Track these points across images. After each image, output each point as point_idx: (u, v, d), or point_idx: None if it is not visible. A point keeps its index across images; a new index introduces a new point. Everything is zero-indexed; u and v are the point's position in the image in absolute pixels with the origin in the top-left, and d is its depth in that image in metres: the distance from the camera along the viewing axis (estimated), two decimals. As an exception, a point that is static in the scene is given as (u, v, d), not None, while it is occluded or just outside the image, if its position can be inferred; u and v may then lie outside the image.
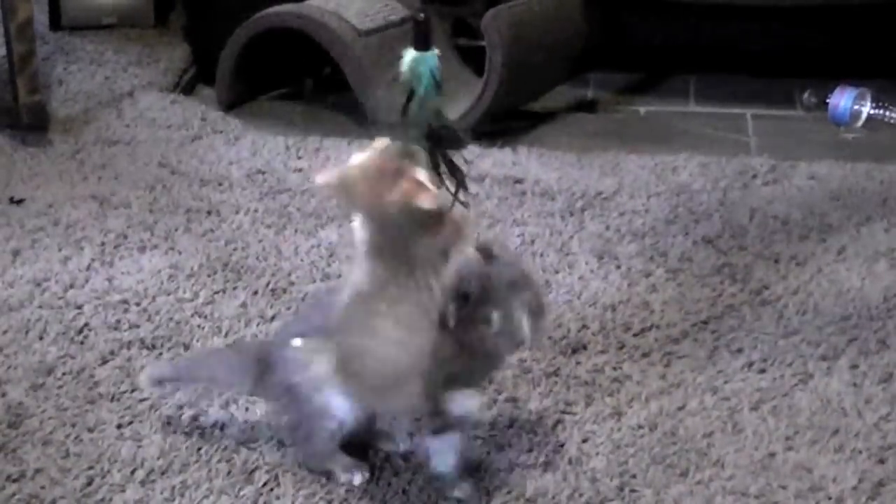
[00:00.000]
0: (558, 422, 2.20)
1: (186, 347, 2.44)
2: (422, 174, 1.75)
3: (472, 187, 3.29)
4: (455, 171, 1.86)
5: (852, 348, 2.45)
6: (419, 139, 1.82)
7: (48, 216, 3.00)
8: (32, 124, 3.49)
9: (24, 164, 3.33)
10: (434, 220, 1.78)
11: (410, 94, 1.83)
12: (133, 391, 2.29)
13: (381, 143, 1.78)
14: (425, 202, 1.73)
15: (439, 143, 1.85)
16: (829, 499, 2.00)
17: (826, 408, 2.25)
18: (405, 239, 1.76)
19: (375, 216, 1.77)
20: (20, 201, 3.10)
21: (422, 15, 1.89)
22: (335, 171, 1.77)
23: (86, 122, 3.62)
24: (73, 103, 3.73)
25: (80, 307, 2.58)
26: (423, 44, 1.84)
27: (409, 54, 1.83)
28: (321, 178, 1.79)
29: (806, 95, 3.86)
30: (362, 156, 1.77)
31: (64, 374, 2.35)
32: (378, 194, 1.73)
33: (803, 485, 2.04)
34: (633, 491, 2.02)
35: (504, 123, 3.61)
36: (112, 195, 3.12)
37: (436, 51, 1.85)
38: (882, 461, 2.11)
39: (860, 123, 3.73)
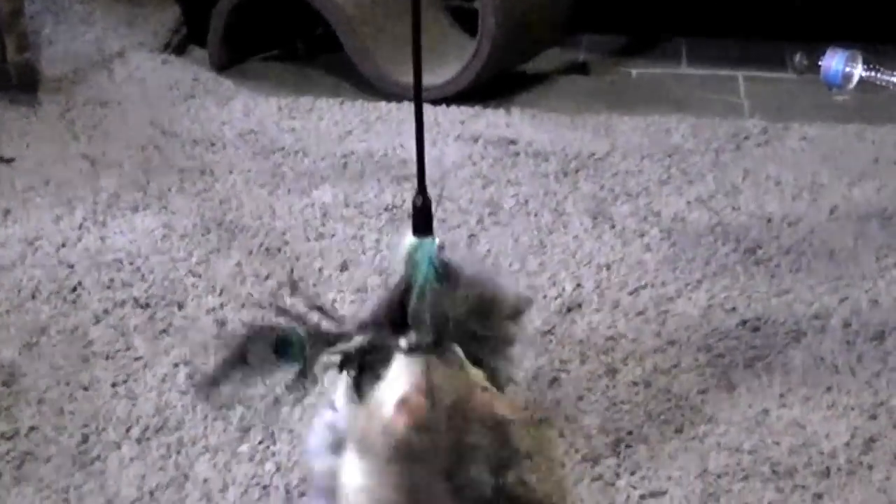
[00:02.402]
0: (554, 380, 2.21)
1: (180, 307, 2.44)
2: (481, 378, 1.50)
3: (466, 148, 3.32)
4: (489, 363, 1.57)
5: (844, 307, 2.46)
6: (426, 337, 1.48)
7: (39, 175, 2.99)
8: (22, 84, 3.47)
9: (14, 123, 3.31)
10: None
11: (409, 287, 1.52)
12: (128, 349, 2.29)
13: (416, 364, 1.45)
14: (507, 411, 1.48)
15: (450, 339, 1.52)
16: (822, 454, 2.01)
17: (819, 365, 2.26)
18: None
19: (452, 434, 1.44)
20: (10, 160, 3.09)
21: (421, 198, 1.67)
22: (393, 402, 1.42)
23: (76, 83, 3.59)
24: (62, 63, 3.71)
25: (72, 266, 2.58)
26: (422, 229, 1.63)
27: (407, 240, 1.60)
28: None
29: (798, 58, 3.85)
30: (406, 381, 1.44)
31: (57, 332, 2.35)
32: (459, 423, 1.44)
33: (796, 441, 2.05)
34: (628, 447, 2.03)
35: (497, 85, 3.60)
36: (103, 155, 3.11)
37: (437, 239, 1.61)
38: (874, 417, 2.12)
39: (852, 85, 3.72)
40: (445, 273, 1.54)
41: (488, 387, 1.49)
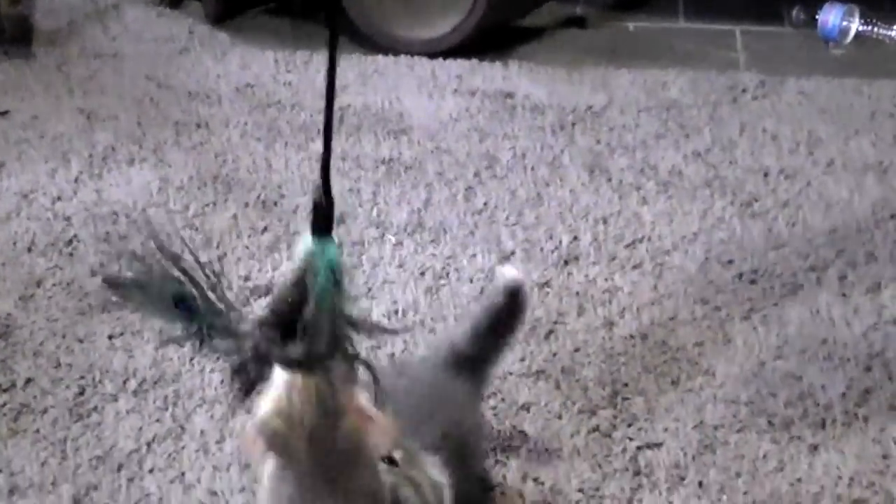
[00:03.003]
0: (551, 332, 2.21)
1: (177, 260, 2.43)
2: (363, 400, 1.41)
3: (463, 102, 3.31)
4: (374, 377, 1.44)
5: (841, 260, 2.46)
6: (321, 349, 1.39)
7: (34, 129, 2.98)
8: (15, 37, 3.45)
9: (8, 76, 3.29)
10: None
11: (304, 293, 1.42)
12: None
13: (294, 379, 1.38)
14: (379, 437, 1.42)
15: (345, 352, 1.43)
16: (818, 405, 2.02)
17: (815, 318, 2.27)
18: (347, 469, 1.43)
19: (315, 456, 1.40)
20: (4, 113, 3.07)
21: (324, 198, 1.51)
22: (253, 424, 1.39)
23: (70, 36, 3.57)
24: (56, 16, 3.68)
25: (68, 219, 2.57)
26: (323, 230, 1.48)
27: (305, 243, 1.46)
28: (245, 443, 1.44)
29: (795, 12, 3.83)
30: (275, 398, 1.38)
31: (53, 285, 2.35)
32: (320, 435, 1.38)
33: (792, 393, 2.05)
34: (624, 399, 2.04)
35: (494, 39, 3.58)
36: (99, 108, 3.10)
37: (336, 240, 1.48)
38: (869, 369, 2.12)
39: (849, 39, 3.70)
40: (342, 277, 1.45)
41: (364, 408, 1.41)
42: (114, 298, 1.62)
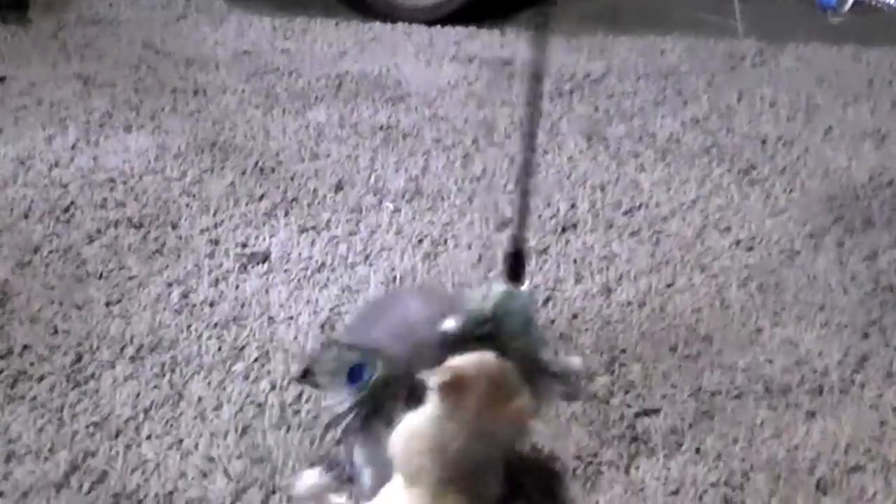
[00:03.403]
0: (548, 299, 2.21)
1: (174, 226, 2.43)
2: (527, 397, 1.60)
3: (461, 68, 3.30)
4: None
5: (838, 226, 2.46)
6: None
7: (31, 95, 2.97)
8: (12, 3, 3.44)
9: (4, 42, 3.29)
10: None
11: (481, 327, 1.62)
12: (121, 269, 2.28)
13: (484, 355, 1.59)
14: (533, 430, 1.68)
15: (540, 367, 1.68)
16: (815, 372, 2.02)
17: (812, 284, 2.27)
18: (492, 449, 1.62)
19: (480, 427, 1.58)
20: (1, 79, 3.07)
21: (517, 247, 1.70)
22: (451, 370, 1.57)
23: (67, 2, 3.56)
24: (52, -17, 3.68)
25: (65, 186, 2.57)
26: (516, 277, 1.67)
27: (498, 287, 1.64)
28: (439, 377, 1.58)
29: (794, -21, 3.83)
30: (472, 360, 1.59)
31: (50, 252, 2.34)
32: (491, 407, 1.57)
33: (789, 359, 2.05)
34: (622, 365, 2.04)
35: (492, 5, 3.57)
36: (96, 74, 3.09)
37: (529, 288, 1.70)
38: (866, 336, 2.12)
39: (847, 7, 3.70)
40: (533, 325, 1.65)
41: (527, 407, 1.59)
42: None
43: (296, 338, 2.09)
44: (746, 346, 2.09)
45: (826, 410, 1.93)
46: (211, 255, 2.33)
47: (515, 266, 1.70)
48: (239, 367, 2.02)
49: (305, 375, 1.74)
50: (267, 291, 2.21)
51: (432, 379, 1.55)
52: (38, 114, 2.88)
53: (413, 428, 1.57)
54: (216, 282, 2.24)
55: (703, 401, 1.96)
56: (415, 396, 1.59)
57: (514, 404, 1.58)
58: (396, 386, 1.61)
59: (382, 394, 1.61)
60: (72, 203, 2.50)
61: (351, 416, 1.61)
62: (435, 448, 1.56)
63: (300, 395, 1.94)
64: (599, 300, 2.22)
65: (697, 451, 1.84)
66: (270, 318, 2.14)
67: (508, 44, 3.32)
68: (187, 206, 2.50)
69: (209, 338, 2.10)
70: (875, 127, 2.87)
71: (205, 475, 1.77)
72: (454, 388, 1.55)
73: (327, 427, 1.65)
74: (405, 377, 1.60)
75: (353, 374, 1.62)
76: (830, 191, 2.59)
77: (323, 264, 2.29)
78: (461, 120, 2.87)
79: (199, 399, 1.95)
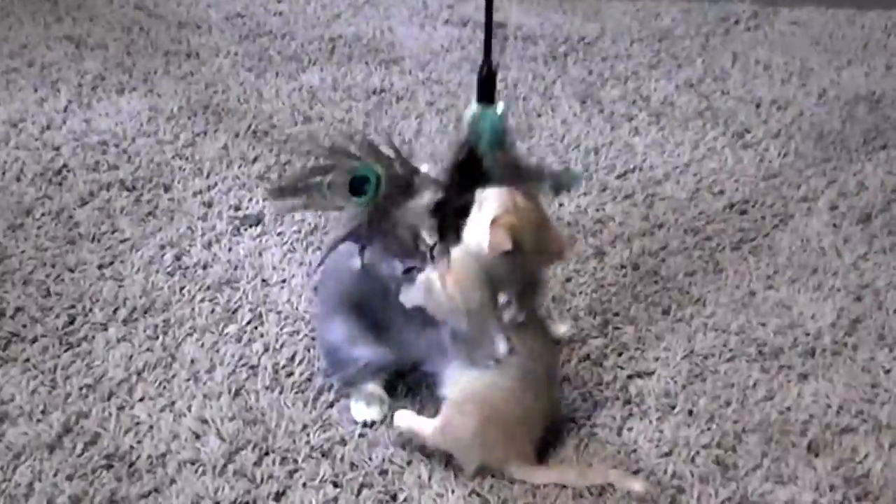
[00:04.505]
0: (541, 261, 2.21)
1: (167, 189, 2.42)
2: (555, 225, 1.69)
3: (454, 31, 3.29)
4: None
5: (832, 189, 2.46)
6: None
7: (22, 57, 2.96)
8: (2, -36, 3.42)
9: (-4, 5, 3.28)
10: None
11: (468, 149, 1.73)
12: (114, 231, 2.28)
13: (514, 192, 1.66)
14: (568, 256, 1.81)
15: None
16: (808, 335, 2.02)
17: (805, 247, 2.27)
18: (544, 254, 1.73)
19: (532, 243, 1.66)
20: (-7, 42, 3.06)
21: (486, 67, 1.78)
22: (498, 221, 1.63)
23: (58, -36, 3.54)
24: (43, -56, 3.65)
25: (57, 148, 2.56)
26: (487, 97, 1.76)
27: (471, 108, 1.76)
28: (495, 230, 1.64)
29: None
30: (505, 200, 1.65)
31: (42, 214, 2.34)
32: (539, 231, 1.67)
33: (782, 322, 2.06)
34: (616, 328, 2.04)
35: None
36: (88, 37, 3.07)
37: (501, 106, 1.75)
38: (859, 299, 2.13)
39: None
40: (507, 137, 1.75)
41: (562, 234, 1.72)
42: (291, 204, 1.79)
43: (289, 300, 2.09)
44: (739, 309, 2.09)
45: (818, 372, 1.94)
46: (204, 218, 2.33)
47: (488, 87, 1.78)
48: (232, 329, 2.02)
49: (283, 193, 1.78)
50: (260, 254, 2.21)
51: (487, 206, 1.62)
52: (30, 76, 2.87)
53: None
54: (209, 244, 2.24)
55: (696, 363, 1.96)
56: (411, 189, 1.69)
57: (553, 233, 1.69)
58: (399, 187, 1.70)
59: (388, 199, 1.69)
60: (64, 165, 2.50)
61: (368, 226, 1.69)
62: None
63: (293, 356, 1.94)
64: (593, 263, 2.22)
65: (690, 412, 1.85)
66: (264, 280, 2.14)
67: (502, 7, 3.30)
68: (180, 168, 2.50)
69: (202, 300, 2.09)
70: (869, 90, 2.86)
71: (198, 437, 1.77)
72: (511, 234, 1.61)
73: (345, 237, 1.71)
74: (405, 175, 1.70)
75: (356, 186, 1.69)
76: (824, 154, 2.59)
77: (316, 227, 2.29)
78: (455, 83, 2.86)
79: (192, 361, 1.95)
